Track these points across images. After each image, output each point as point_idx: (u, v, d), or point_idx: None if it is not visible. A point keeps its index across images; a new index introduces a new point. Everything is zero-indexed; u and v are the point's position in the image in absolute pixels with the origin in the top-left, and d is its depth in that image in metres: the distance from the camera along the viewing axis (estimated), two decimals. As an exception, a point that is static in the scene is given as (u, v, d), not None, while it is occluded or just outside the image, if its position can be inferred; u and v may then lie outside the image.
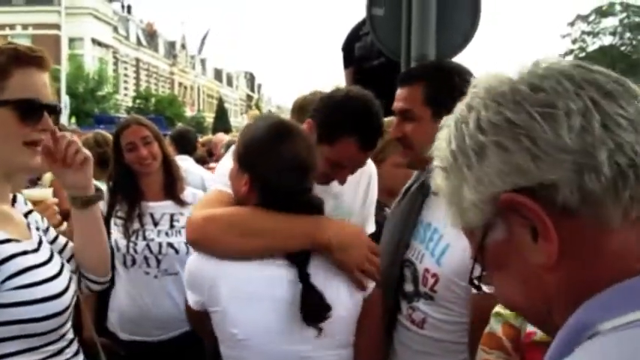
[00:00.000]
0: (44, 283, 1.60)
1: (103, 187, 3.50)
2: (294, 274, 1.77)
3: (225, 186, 2.04)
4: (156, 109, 45.09)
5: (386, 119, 2.29)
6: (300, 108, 2.95)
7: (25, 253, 1.59)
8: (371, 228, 2.58)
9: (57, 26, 37.96)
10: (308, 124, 2.16)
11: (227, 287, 1.76)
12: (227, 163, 2.14)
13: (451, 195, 0.85)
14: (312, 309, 1.75)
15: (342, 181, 2.23)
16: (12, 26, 42.37)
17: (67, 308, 1.65)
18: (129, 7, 57.56)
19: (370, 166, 2.55)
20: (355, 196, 2.53)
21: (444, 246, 1.92)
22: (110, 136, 4.72)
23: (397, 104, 2.06)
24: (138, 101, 48.26)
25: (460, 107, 0.85)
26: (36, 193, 1.85)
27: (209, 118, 60.51)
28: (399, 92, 2.07)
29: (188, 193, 3.27)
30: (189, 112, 57.02)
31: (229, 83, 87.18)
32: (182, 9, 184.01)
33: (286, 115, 2.91)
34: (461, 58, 4.61)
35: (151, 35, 61.45)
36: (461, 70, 2.03)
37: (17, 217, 1.71)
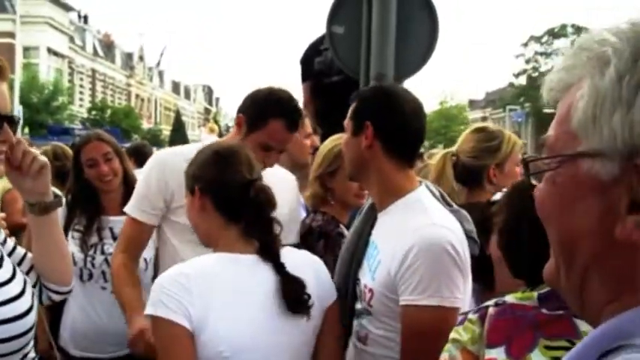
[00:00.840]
0: (9, 303, 1.56)
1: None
2: (269, 268, 1.84)
3: (140, 211, 2.55)
4: (112, 121, 44.42)
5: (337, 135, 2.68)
6: None
7: None
8: (293, 239, 2.67)
9: (11, 34, 37.19)
10: (239, 119, 2.56)
11: (217, 302, 1.75)
12: (142, 184, 2.61)
13: (601, 100, 0.70)
14: (295, 297, 1.82)
15: (271, 164, 2.54)
16: (-36, 34, 41.44)
17: (31, 328, 1.61)
18: (85, 17, 56.79)
19: (283, 173, 2.83)
20: (287, 199, 2.64)
21: (378, 261, 2.01)
22: (69, 150, 4.67)
23: None
24: (93, 112, 47.51)
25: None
26: None
27: (166, 130, 59.94)
28: None
29: None
30: (145, 125, 56.40)
31: (187, 96, 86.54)
32: (140, 21, 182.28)
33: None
34: (415, 77, 4.72)
35: (108, 46, 60.68)
36: (395, 92, 2.15)
37: None
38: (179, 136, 49.54)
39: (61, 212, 3.27)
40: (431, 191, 2.14)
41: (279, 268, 1.83)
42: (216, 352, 1.70)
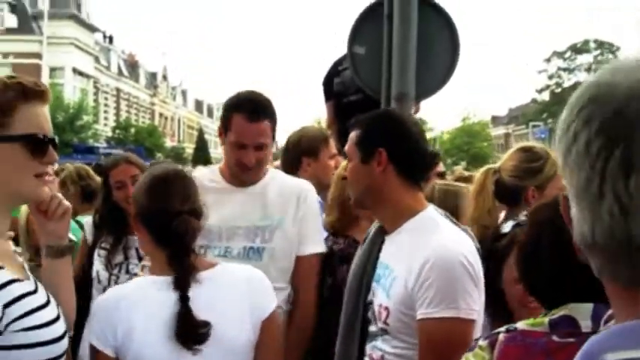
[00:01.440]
0: (47, 325, 1.60)
1: (86, 219, 3.52)
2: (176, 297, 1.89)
3: None
4: (135, 140, 44.89)
5: None
6: (286, 146, 3.07)
7: (28, 294, 1.59)
8: (314, 248, 2.79)
9: (38, 55, 37.94)
10: (218, 130, 2.83)
11: (132, 323, 1.84)
12: None
13: None
14: (185, 329, 1.85)
15: (250, 163, 2.65)
16: (-8, 55, 42.27)
17: (65, 352, 1.66)
18: (110, 38, 57.61)
19: (300, 185, 2.87)
20: (286, 210, 2.76)
21: (393, 278, 2.05)
22: (90, 170, 4.76)
23: None
24: (118, 131, 48.04)
25: None
26: None
27: (189, 149, 60.37)
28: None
29: None
30: (169, 143, 56.90)
31: (210, 114, 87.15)
32: (164, 40, 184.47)
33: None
34: (436, 95, 4.74)
35: (132, 66, 61.47)
36: (401, 117, 2.27)
37: (14, 255, 1.72)
38: (202, 154, 49.96)
39: (89, 230, 3.35)
40: (438, 211, 2.20)
41: (182, 300, 1.87)
42: None
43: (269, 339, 2.00)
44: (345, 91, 4.75)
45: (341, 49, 4.89)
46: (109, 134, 47.62)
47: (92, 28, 48.95)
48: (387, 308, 2.03)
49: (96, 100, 49.11)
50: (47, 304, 1.65)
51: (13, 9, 43.48)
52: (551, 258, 1.48)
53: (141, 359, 1.83)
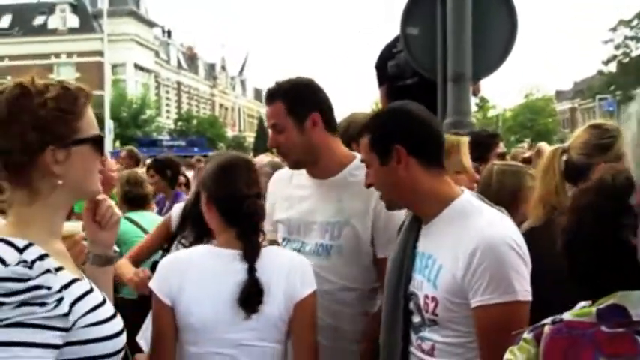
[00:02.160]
0: (108, 321, 1.65)
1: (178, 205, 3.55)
2: (244, 267, 2.18)
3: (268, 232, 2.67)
4: (197, 131, 45.68)
5: None
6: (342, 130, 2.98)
7: (88, 292, 1.64)
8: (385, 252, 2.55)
9: (100, 53, 38.85)
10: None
11: (189, 283, 2.17)
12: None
13: None
14: (248, 294, 2.13)
15: (270, 145, 2.71)
16: (57, 55, 43.60)
17: (123, 347, 1.70)
18: (169, 32, 58.66)
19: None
20: (358, 206, 2.61)
21: (438, 268, 2.02)
22: (142, 177, 4.96)
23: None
24: (180, 123, 48.97)
25: None
26: (65, 227, 1.84)
27: (250, 138, 61.03)
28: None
29: None
30: (230, 133, 57.66)
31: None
32: (221, 32, 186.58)
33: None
34: (497, 73, 4.59)
35: (191, 58, 62.42)
36: (406, 108, 2.19)
37: (69, 254, 1.76)
38: (262, 142, 50.30)
39: (176, 217, 3.38)
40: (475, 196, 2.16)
41: (250, 270, 2.17)
42: (187, 322, 2.14)
43: (302, 319, 2.22)
44: (400, 74, 4.64)
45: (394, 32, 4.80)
46: (172, 127, 48.60)
47: (151, 24, 49.90)
48: (434, 298, 2.01)
49: (157, 94, 50.15)
50: (104, 301, 1.70)
51: (75, 9, 44.77)
52: (593, 245, 1.42)
53: (189, 314, 2.15)
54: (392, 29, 5.02)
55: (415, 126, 2.10)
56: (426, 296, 2.03)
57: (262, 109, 79.36)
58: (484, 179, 2.98)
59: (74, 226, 1.97)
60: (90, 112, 1.72)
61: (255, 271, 2.17)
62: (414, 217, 2.22)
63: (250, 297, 2.14)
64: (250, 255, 2.20)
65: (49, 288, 1.48)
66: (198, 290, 2.15)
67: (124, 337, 1.70)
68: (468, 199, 2.09)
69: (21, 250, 1.51)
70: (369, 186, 2.22)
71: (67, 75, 42.72)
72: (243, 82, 77.30)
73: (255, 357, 2.17)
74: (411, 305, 2.12)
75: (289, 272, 2.23)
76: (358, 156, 2.63)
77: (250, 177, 2.29)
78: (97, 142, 1.72)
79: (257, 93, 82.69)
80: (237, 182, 2.25)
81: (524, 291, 1.89)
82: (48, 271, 1.51)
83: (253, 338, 2.17)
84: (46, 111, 1.61)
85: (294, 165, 2.76)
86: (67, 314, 1.51)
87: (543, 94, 65.85)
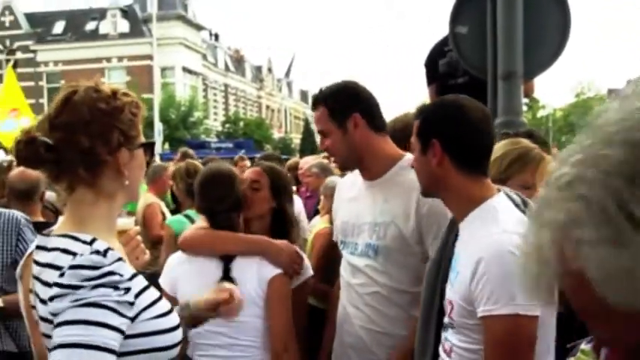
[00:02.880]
0: (166, 315, 1.71)
1: (194, 216, 3.56)
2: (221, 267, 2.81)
3: None
4: (244, 133, 46.05)
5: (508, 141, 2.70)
6: (392, 133, 2.92)
7: (146, 287, 1.69)
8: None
9: (149, 57, 39.48)
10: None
11: (182, 280, 2.85)
12: None
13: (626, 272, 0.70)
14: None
15: (323, 148, 2.80)
16: (108, 59, 44.51)
17: (181, 340, 1.76)
18: (216, 35, 59.28)
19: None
20: (402, 205, 2.57)
21: (457, 272, 2.00)
22: (200, 166, 4.85)
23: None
24: (227, 125, 49.46)
25: None
26: (119, 223, 1.88)
27: (296, 139, 61.26)
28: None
29: None
30: (276, 134, 57.96)
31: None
32: (268, 34, 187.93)
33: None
34: (547, 71, 4.47)
35: (238, 61, 62.97)
36: (457, 104, 2.12)
37: (124, 251, 1.82)
38: (309, 143, 50.49)
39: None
40: (511, 198, 2.09)
41: (225, 270, 2.80)
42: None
43: (273, 294, 2.76)
44: (451, 72, 4.57)
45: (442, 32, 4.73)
46: (219, 129, 49.11)
47: (199, 27, 50.52)
48: (451, 302, 2.01)
49: (205, 97, 50.73)
50: (160, 298, 1.74)
51: (125, 15, 45.61)
52: None
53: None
54: (440, 28, 4.91)
55: (459, 126, 2.05)
56: (448, 300, 2.04)
57: (308, 111, 79.62)
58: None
59: (127, 222, 2.03)
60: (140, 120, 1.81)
61: (230, 270, 2.78)
62: (453, 218, 2.20)
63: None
64: (225, 258, 2.81)
65: (121, 275, 1.55)
66: (188, 282, 2.79)
67: (180, 332, 1.75)
68: (495, 202, 2.03)
69: (89, 243, 1.59)
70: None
71: (118, 79, 43.63)
72: (289, 84, 77.64)
73: (242, 331, 2.73)
74: (444, 304, 2.12)
75: (261, 258, 2.79)
76: (407, 155, 2.62)
77: (225, 191, 2.87)
78: (150, 148, 1.83)
79: (303, 95, 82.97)
80: (210, 198, 2.89)
81: (528, 305, 1.79)
82: (120, 259, 1.59)
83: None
84: (122, 114, 1.70)
85: (342, 167, 2.94)
86: (132, 303, 1.56)
87: (595, 93, 64.24)
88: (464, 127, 2.04)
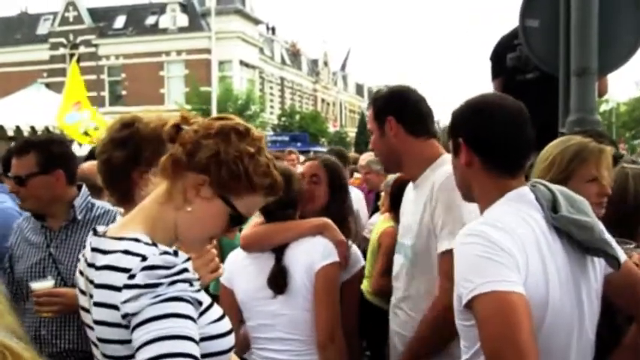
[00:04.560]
0: (220, 320, 1.70)
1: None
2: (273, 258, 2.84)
3: None
4: (300, 126, 46.19)
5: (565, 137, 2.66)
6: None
7: (200, 291, 1.66)
8: (441, 245, 2.49)
9: (208, 50, 39.95)
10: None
11: (237, 274, 2.93)
12: None
13: None
14: (274, 278, 2.80)
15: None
16: (167, 53, 45.18)
17: (234, 345, 1.74)
18: (273, 29, 59.56)
19: (438, 173, 2.62)
20: (423, 202, 2.62)
21: None
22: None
23: None
24: (283, 119, 49.68)
25: None
26: None
27: (351, 133, 61.10)
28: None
29: None
30: (331, 128, 57.96)
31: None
32: (324, 28, 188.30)
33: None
34: (629, 70, 4.29)
35: (294, 54, 63.15)
36: (485, 102, 2.07)
37: None
38: (364, 137, 50.32)
39: None
40: (536, 195, 1.95)
41: (277, 260, 2.82)
42: (240, 299, 2.94)
43: (321, 284, 2.74)
44: (521, 67, 4.42)
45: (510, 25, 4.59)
46: (275, 122, 49.36)
47: (256, 21, 50.85)
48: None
49: (262, 90, 51.06)
50: (212, 305, 1.72)
51: (184, 9, 46.20)
52: None
53: (238, 293, 2.92)
54: (499, 23, 4.76)
55: (485, 126, 1.97)
56: None
57: (363, 104, 79.48)
58: (620, 184, 2.73)
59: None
60: (259, 201, 1.75)
61: (281, 260, 2.80)
62: None
63: (276, 279, 2.78)
64: (277, 249, 2.84)
65: (192, 272, 1.55)
66: (244, 276, 2.89)
67: (232, 337, 1.73)
68: (504, 198, 1.94)
69: (153, 245, 1.57)
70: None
71: (176, 72, 44.35)
72: (344, 78, 77.49)
73: (288, 325, 2.76)
74: None
75: (310, 250, 2.79)
76: (443, 155, 2.67)
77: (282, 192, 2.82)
78: (236, 219, 1.72)
79: (359, 88, 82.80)
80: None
81: (504, 281, 1.69)
82: (189, 259, 1.57)
83: (284, 308, 2.75)
84: (235, 157, 1.67)
85: (385, 168, 3.13)
86: (200, 303, 1.56)
87: (661, 87, 61.99)
88: (490, 126, 1.97)
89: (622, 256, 1.99)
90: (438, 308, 2.45)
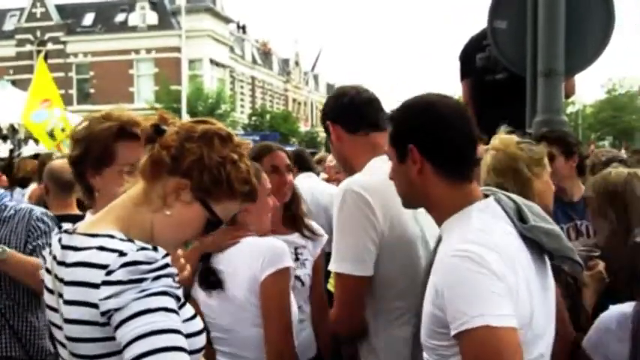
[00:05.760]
0: (193, 318, 1.68)
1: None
2: None
3: None
4: (271, 126, 46.07)
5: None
6: None
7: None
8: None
9: (178, 49, 39.66)
10: None
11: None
12: None
13: None
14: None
15: None
16: (137, 51, 44.74)
17: (204, 345, 1.73)
18: (244, 28, 59.30)
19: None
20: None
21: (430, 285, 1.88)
22: None
23: None
24: (254, 118, 49.51)
25: None
26: None
27: (322, 132, 60.92)
28: None
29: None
30: (303, 128, 57.93)
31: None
32: (295, 27, 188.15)
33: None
34: (594, 72, 4.35)
35: (265, 54, 62.97)
36: (431, 103, 1.93)
37: None
38: (335, 137, 50.23)
39: None
40: (502, 205, 1.89)
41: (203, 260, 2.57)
42: None
43: (266, 299, 2.43)
44: (491, 67, 4.45)
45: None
46: (246, 121, 49.17)
47: (227, 20, 50.61)
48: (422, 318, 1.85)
49: (232, 89, 50.82)
50: (185, 303, 1.68)
51: (154, 7, 45.79)
52: None
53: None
54: (473, 23, 4.79)
55: (437, 128, 1.86)
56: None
57: (335, 105, 79.48)
58: (612, 185, 2.67)
59: None
60: (235, 207, 1.74)
61: (209, 262, 2.55)
62: None
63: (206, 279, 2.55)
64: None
65: (173, 268, 1.54)
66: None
67: (204, 336, 1.72)
68: (470, 211, 1.84)
69: (129, 241, 1.55)
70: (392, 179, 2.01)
71: (146, 70, 43.94)
72: (316, 77, 77.54)
73: (240, 343, 2.48)
74: None
75: (251, 258, 2.45)
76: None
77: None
78: (213, 224, 1.71)
79: (329, 88, 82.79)
80: None
81: (498, 315, 1.62)
82: (168, 254, 1.55)
83: (229, 324, 2.48)
84: (218, 163, 1.65)
85: None
86: (179, 299, 1.54)
87: (627, 90, 63.19)
88: (442, 128, 1.85)
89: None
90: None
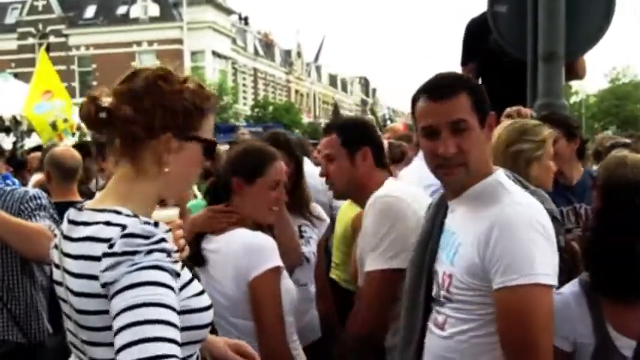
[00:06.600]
0: (201, 294, 1.71)
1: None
2: None
3: None
4: (273, 117, 46.01)
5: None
6: None
7: (182, 266, 1.68)
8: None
9: (179, 41, 39.73)
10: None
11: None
12: None
13: None
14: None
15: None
16: (139, 43, 44.73)
17: (212, 320, 1.77)
18: (246, 19, 59.20)
19: None
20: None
21: (457, 245, 1.98)
22: (220, 149, 4.83)
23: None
24: (256, 110, 49.47)
25: None
26: (163, 214, 1.86)
27: (325, 123, 61.04)
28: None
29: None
30: (305, 119, 57.89)
31: (344, 89, 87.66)
32: (297, 18, 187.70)
33: (401, 119, 2.97)
34: (584, 56, 4.33)
35: (267, 45, 62.86)
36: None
37: None
38: (338, 128, 50.14)
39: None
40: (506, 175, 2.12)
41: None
42: None
43: (255, 298, 2.43)
44: (504, 50, 4.39)
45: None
46: (248, 113, 49.14)
47: (228, 11, 50.50)
48: (450, 275, 1.98)
49: (235, 81, 50.77)
50: (192, 280, 1.73)
51: (156, -2, 45.75)
52: None
53: None
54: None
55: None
56: (444, 272, 2.02)
57: (337, 95, 79.48)
58: (615, 169, 2.64)
59: (171, 215, 1.97)
60: (211, 119, 1.77)
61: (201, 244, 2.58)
62: (443, 194, 2.19)
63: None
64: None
65: (171, 243, 1.55)
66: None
67: (211, 312, 1.75)
68: (497, 178, 2.02)
69: (134, 216, 1.57)
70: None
71: (148, 63, 43.78)
72: (318, 69, 77.37)
73: (244, 332, 2.41)
74: (434, 281, 2.10)
75: (236, 256, 2.46)
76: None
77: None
78: (209, 148, 1.75)
79: (332, 79, 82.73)
80: None
81: (546, 275, 1.80)
82: (169, 230, 1.59)
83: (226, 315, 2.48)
84: (178, 99, 1.66)
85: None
86: (179, 275, 1.56)
87: (631, 79, 62.88)
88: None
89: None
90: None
